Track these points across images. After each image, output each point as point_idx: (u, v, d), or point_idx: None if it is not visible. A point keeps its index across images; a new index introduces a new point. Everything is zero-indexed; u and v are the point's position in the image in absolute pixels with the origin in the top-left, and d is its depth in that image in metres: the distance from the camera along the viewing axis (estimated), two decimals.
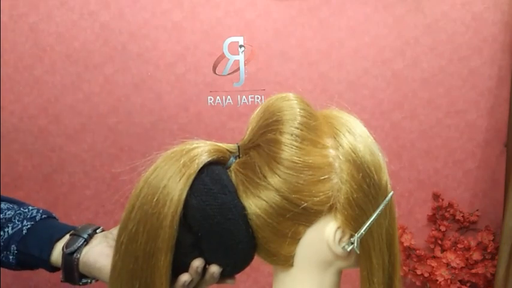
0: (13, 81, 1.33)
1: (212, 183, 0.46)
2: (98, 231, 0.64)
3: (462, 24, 1.34)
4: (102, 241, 0.61)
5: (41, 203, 1.36)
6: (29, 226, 0.64)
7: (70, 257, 0.60)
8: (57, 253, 0.62)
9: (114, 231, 0.62)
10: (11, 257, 0.63)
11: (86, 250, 0.60)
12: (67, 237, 0.63)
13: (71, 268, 0.60)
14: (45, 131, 1.36)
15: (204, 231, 0.46)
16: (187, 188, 0.44)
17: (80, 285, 0.62)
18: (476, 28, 1.34)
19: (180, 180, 0.44)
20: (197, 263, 0.47)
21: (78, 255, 0.60)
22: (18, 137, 1.35)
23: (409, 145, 1.40)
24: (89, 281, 0.62)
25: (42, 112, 1.35)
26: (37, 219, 0.66)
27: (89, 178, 1.38)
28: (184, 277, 0.48)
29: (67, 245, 0.61)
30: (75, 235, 0.62)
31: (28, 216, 0.66)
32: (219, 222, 0.45)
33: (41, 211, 0.68)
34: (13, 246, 0.63)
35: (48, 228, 0.66)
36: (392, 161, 1.39)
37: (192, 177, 0.45)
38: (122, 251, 0.45)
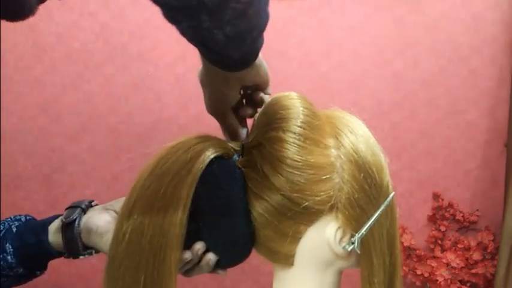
0: (13, 81, 1.33)
1: (222, 175, 0.46)
2: (93, 203, 0.63)
3: (462, 24, 1.34)
4: (102, 211, 0.60)
5: (41, 203, 1.36)
6: (17, 224, 0.64)
7: (71, 226, 0.58)
8: (53, 232, 0.61)
9: (116, 204, 0.61)
10: (9, 258, 0.61)
11: (85, 218, 0.59)
12: (60, 218, 0.62)
13: (73, 238, 0.58)
14: (45, 131, 1.35)
15: (207, 221, 0.46)
16: (195, 184, 0.44)
17: (84, 256, 0.60)
18: (476, 28, 1.34)
19: (188, 175, 0.44)
20: (199, 246, 0.48)
21: (79, 223, 0.58)
22: (18, 137, 1.35)
23: (409, 145, 1.39)
24: (92, 251, 0.61)
25: (42, 112, 1.35)
26: (23, 220, 0.65)
27: (89, 178, 1.37)
28: (186, 254, 0.48)
29: (65, 217, 0.60)
30: (72, 207, 0.61)
31: (14, 219, 0.66)
32: (224, 214, 0.45)
33: (24, 215, 0.67)
34: (8, 245, 0.61)
35: (37, 221, 0.66)
36: (392, 161, 1.38)
37: (200, 173, 0.44)
38: (125, 241, 0.44)
